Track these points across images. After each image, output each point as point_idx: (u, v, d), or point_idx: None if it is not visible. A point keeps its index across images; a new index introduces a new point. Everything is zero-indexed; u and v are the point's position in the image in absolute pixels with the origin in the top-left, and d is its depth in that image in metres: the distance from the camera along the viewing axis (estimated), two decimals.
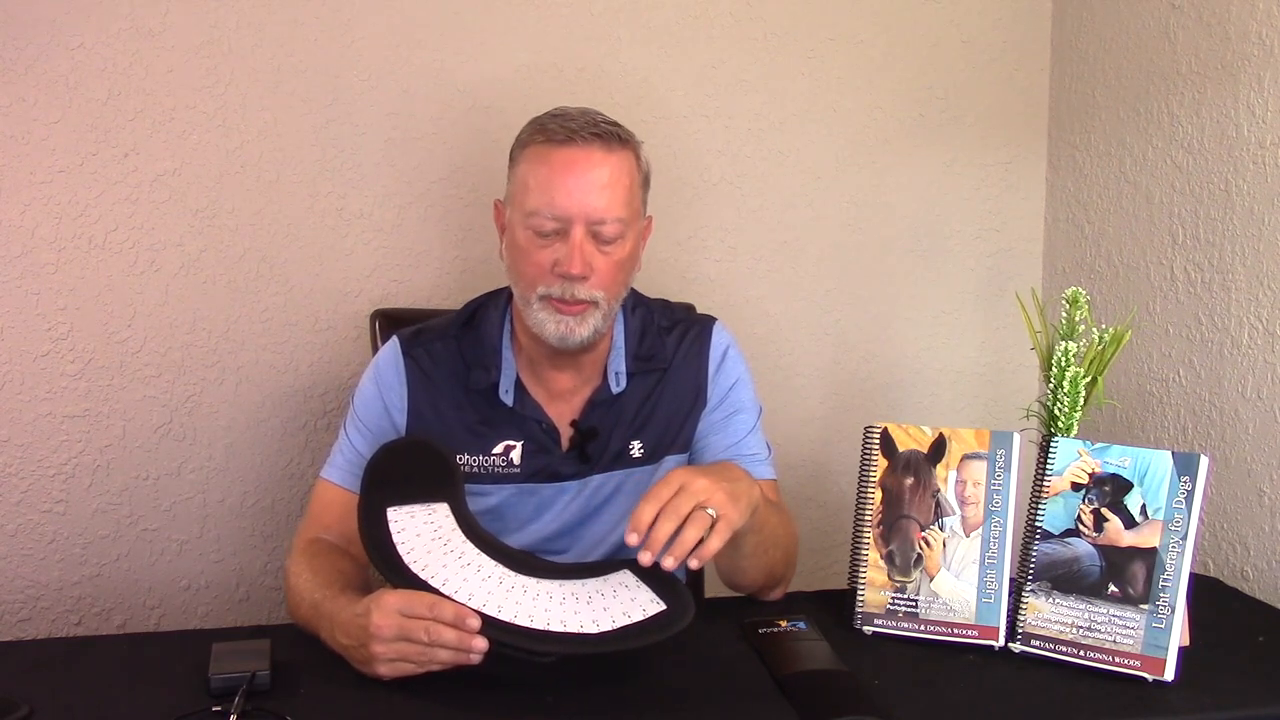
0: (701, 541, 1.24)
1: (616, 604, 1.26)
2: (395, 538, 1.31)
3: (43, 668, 1.32)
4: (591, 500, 1.55)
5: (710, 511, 1.25)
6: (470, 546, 1.32)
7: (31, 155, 1.85)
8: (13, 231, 1.85)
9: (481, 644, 1.20)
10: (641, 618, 1.25)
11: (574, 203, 1.41)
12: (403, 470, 1.38)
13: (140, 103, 1.89)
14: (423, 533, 1.32)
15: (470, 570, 1.29)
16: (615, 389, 1.55)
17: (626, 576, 1.30)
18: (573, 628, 1.24)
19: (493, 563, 1.30)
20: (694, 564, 1.24)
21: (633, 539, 1.24)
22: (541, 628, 1.23)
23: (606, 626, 1.24)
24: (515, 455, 1.53)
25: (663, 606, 1.26)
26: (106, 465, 1.92)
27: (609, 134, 1.44)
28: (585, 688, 1.26)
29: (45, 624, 1.91)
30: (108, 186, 1.89)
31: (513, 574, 1.29)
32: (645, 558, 1.24)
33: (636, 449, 1.56)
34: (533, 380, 1.55)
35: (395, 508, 1.34)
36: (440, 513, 1.35)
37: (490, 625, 1.22)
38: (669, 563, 1.23)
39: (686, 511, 1.24)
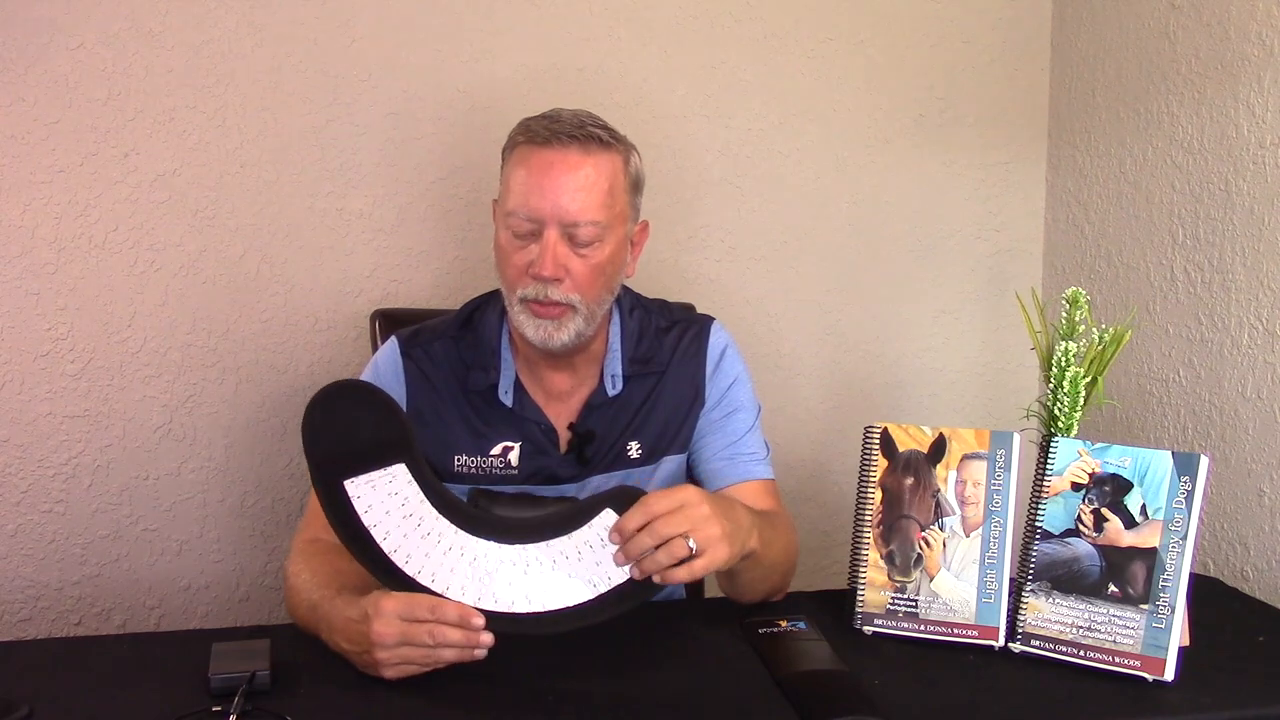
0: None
1: (581, 569, 1.24)
2: (363, 518, 1.26)
3: (43, 668, 1.31)
4: None
5: (691, 544, 1.23)
6: (444, 523, 1.26)
7: (31, 155, 1.85)
8: (13, 231, 1.85)
9: (488, 639, 1.20)
10: (619, 581, 1.24)
11: (547, 204, 1.41)
12: (346, 431, 1.28)
13: (140, 103, 1.89)
14: (391, 509, 1.26)
15: (442, 549, 1.25)
16: (611, 392, 1.55)
17: (601, 526, 1.26)
18: (552, 604, 1.23)
19: (466, 537, 1.25)
20: (656, 579, 1.24)
21: (614, 537, 1.24)
22: (524, 611, 1.23)
23: (579, 599, 1.23)
24: (513, 456, 1.53)
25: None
26: (106, 465, 1.92)
27: (591, 136, 1.43)
28: (586, 687, 1.26)
29: (45, 624, 1.91)
30: (108, 186, 1.89)
31: (493, 544, 1.25)
32: (619, 558, 1.24)
33: (634, 450, 1.56)
34: (531, 381, 1.54)
35: (352, 480, 1.27)
36: (400, 478, 1.28)
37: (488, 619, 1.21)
38: (635, 573, 1.24)
39: (668, 535, 1.22)
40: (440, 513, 1.27)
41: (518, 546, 1.26)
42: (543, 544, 1.26)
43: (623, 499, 1.25)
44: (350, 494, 1.27)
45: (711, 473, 1.57)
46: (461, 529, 1.27)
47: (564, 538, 1.25)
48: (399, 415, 1.32)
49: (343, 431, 1.28)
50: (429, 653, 1.21)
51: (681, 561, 1.23)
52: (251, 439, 1.99)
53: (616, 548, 1.24)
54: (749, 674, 1.29)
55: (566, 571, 1.25)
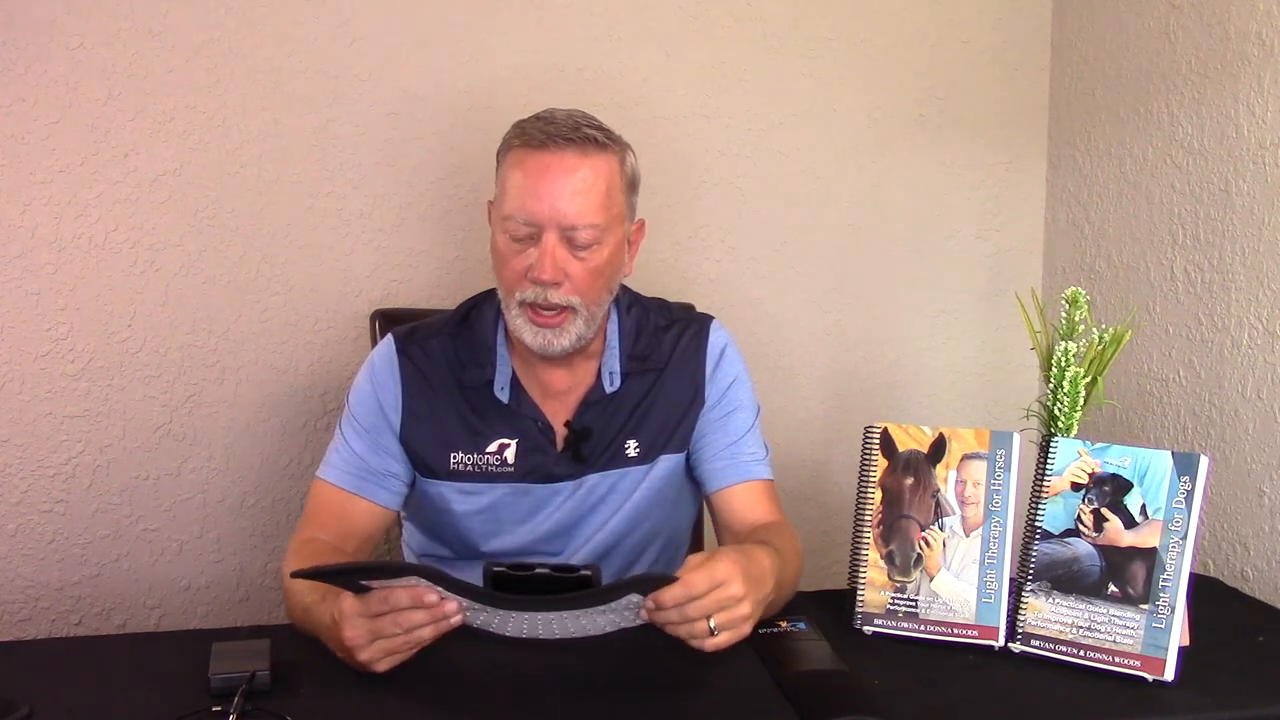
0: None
1: (604, 619, 1.26)
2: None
3: (43, 668, 1.32)
4: (586, 500, 1.55)
5: (711, 625, 1.21)
6: (466, 600, 1.23)
7: (31, 155, 1.85)
8: (13, 231, 1.85)
9: (452, 607, 1.19)
10: (640, 623, 1.25)
11: (545, 207, 1.40)
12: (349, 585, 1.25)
13: (140, 103, 1.89)
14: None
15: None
16: (609, 389, 1.54)
17: (630, 601, 1.25)
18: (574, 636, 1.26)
19: (492, 609, 1.25)
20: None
21: (650, 604, 1.22)
22: (546, 638, 1.25)
23: (596, 632, 1.26)
24: (509, 454, 1.52)
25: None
26: (106, 465, 1.93)
27: (587, 138, 1.42)
28: (585, 686, 1.26)
29: (45, 624, 1.91)
30: (108, 186, 1.89)
31: (511, 613, 1.26)
32: (643, 614, 1.24)
33: (632, 448, 1.55)
34: (529, 378, 1.54)
35: (367, 581, 1.24)
36: (416, 581, 1.23)
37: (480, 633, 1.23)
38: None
39: (694, 619, 1.21)
40: (463, 597, 1.23)
41: (543, 613, 1.26)
42: (567, 611, 1.26)
43: (649, 585, 1.23)
44: (369, 586, 1.23)
45: (711, 472, 1.57)
46: (488, 607, 1.25)
47: (588, 610, 1.25)
48: (404, 565, 1.31)
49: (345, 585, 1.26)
50: (407, 638, 1.21)
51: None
52: (251, 439, 1.99)
53: (642, 608, 1.24)
54: (749, 674, 1.29)
55: (591, 620, 1.26)
